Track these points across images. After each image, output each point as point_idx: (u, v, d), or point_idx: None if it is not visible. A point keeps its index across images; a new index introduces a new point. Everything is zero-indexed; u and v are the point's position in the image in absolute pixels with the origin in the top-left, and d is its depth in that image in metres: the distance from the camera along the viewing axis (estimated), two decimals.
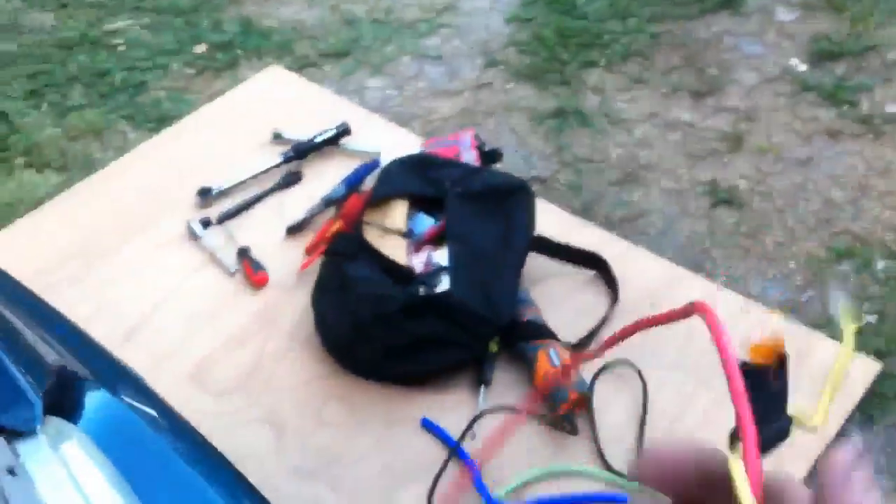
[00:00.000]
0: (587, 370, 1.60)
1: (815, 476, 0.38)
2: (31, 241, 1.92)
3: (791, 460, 1.51)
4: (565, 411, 1.52)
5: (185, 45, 2.62)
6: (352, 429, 1.57)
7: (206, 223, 1.92)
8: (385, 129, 2.18)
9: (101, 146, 2.25)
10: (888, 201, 2.08)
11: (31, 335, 1.01)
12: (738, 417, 0.37)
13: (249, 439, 1.56)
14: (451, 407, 1.58)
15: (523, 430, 1.54)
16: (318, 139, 2.07)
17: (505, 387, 1.61)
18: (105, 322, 1.75)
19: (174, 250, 1.89)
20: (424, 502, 1.46)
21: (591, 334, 1.67)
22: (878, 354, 1.69)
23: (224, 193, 1.99)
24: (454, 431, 1.54)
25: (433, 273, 1.70)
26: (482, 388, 1.59)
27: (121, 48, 2.63)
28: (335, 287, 1.67)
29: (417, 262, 1.73)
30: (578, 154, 2.22)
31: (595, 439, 1.53)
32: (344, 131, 2.10)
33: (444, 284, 1.67)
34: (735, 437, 0.37)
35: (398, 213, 1.80)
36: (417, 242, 1.77)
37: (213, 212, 1.96)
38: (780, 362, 0.39)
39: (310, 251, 1.84)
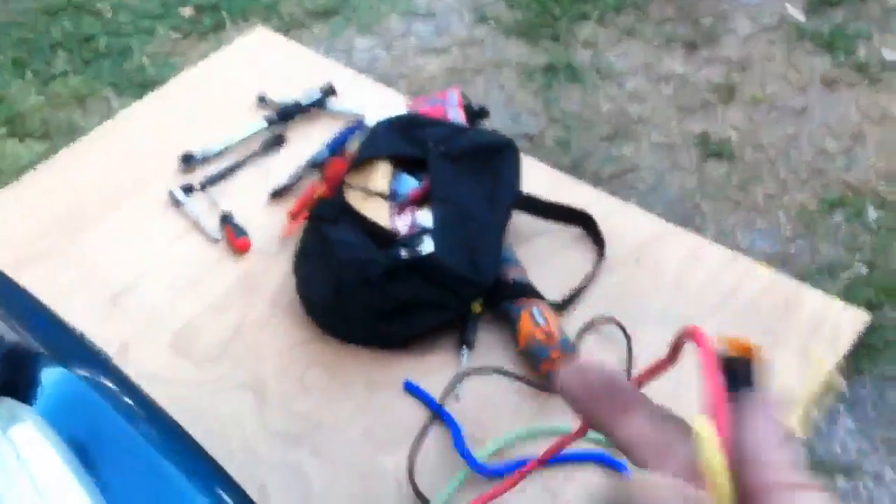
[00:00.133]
0: (571, 328, 1.58)
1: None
2: (14, 210, 1.91)
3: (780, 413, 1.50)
4: (548, 371, 1.51)
5: (171, 8, 2.60)
6: (334, 393, 1.56)
7: (188, 189, 1.90)
8: (371, 90, 2.15)
9: (85, 114, 2.23)
10: (882, 150, 2.04)
11: None
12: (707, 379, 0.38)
13: (231, 406, 1.55)
14: (434, 369, 1.57)
15: (506, 390, 1.52)
16: (303, 102, 2.05)
17: (488, 348, 1.59)
18: (89, 291, 1.73)
19: (157, 217, 1.87)
20: (406, 465, 1.45)
21: (577, 293, 1.65)
22: (868, 305, 1.67)
23: (207, 159, 1.97)
24: (437, 394, 1.53)
25: (416, 235, 1.68)
26: (465, 350, 1.58)
27: (106, 13, 2.60)
28: (316, 252, 1.66)
29: (401, 225, 1.71)
30: (568, 110, 2.19)
31: None
32: (329, 93, 2.07)
33: (427, 246, 1.65)
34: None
35: (381, 175, 1.78)
36: (401, 204, 1.75)
37: (197, 177, 1.94)
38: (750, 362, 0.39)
39: (293, 216, 1.82)
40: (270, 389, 1.57)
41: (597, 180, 1.97)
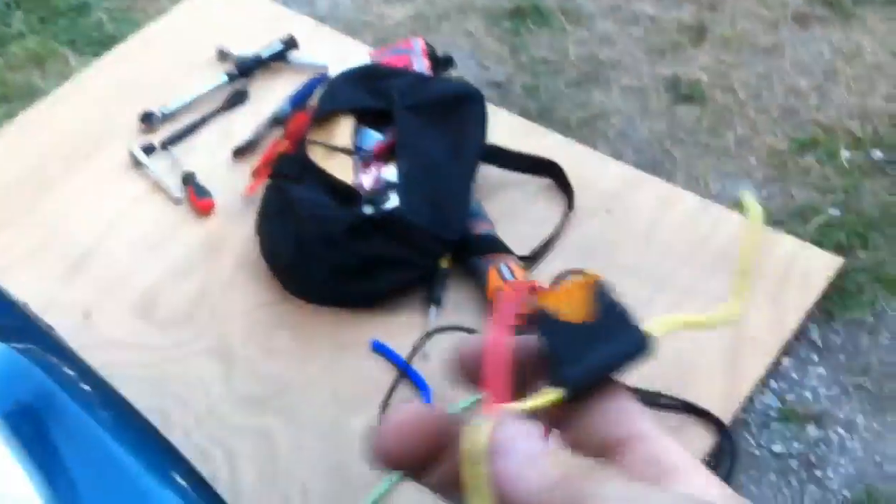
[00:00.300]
0: (541, 282, 1.56)
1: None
2: None
3: (750, 360, 1.49)
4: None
5: None
6: (301, 355, 1.54)
7: (149, 149, 1.86)
8: (334, 40, 2.10)
9: (43, 74, 2.17)
10: (855, 87, 2.01)
11: None
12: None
13: (198, 371, 1.53)
14: (402, 328, 1.54)
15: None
16: (264, 55, 2.00)
17: (456, 305, 1.57)
18: (52, 254, 1.70)
19: (118, 179, 1.83)
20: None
21: (545, 246, 1.62)
22: (840, 249, 1.65)
23: (168, 117, 1.93)
24: (406, 353, 1.51)
25: (381, 191, 1.65)
26: (433, 308, 1.55)
27: None
28: (279, 211, 1.62)
29: (366, 180, 1.68)
30: (536, 55, 2.14)
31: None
32: (290, 45, 2.02)
33: (393, 202, 1.62)
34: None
35: (343, 129, 1.74)
36: (365, 160, 1.71)
37: (158, 137, 1.89)
38: (599, 292, 0.37)
39: (256, 174, 1.78)
40: (236, 353, 1.55)
41: (566, 127, 1.93)
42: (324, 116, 1.76)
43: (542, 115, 1.97)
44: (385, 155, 1.72)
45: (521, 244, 1.60)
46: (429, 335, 1.52)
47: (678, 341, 1.49)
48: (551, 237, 1.64)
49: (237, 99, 1.96)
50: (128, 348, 1.56)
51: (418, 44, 1.92)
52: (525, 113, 1.95)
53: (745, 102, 1.98)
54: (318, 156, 1.69)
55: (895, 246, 1.67)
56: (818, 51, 2.10)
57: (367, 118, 1.77)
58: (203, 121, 1.92)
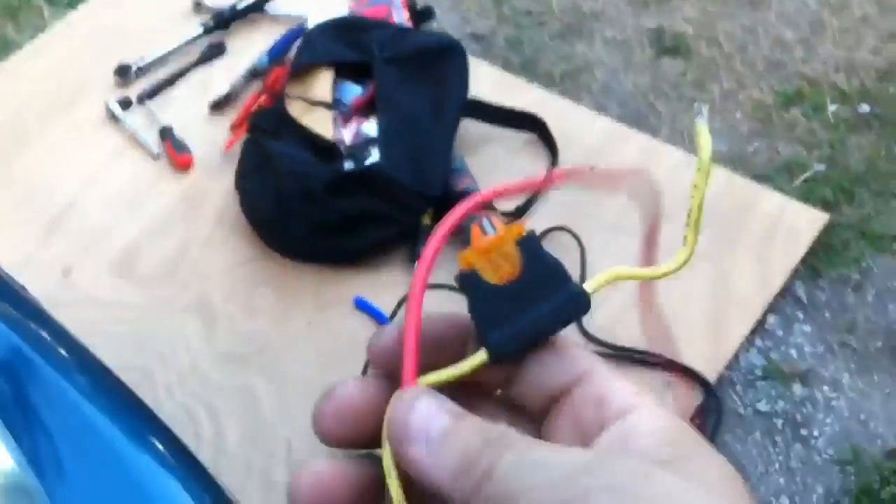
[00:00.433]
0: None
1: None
2: None
3: (735, 318, 1.48)
4: None
5: None
6: (283, 312, 1.52)
7: (126, 104, 1.83)
8: None
9: (17, 27, 2.12)
10: (841, 40, 1.98)
11: None
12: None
13: (179, 328, 1.51)
14: (386, 285, 1.53)
15: (460, 306, 1.49)
16: (240, 6, 1.96)
17: (439, 262, 1.54)
18: (29, 211, 1.68)
19: (94, 134, 1.80)
20: None
21: (529, 201, 1.61)
22: (826, 204, 1.64)
23: (144, 70, 1.89)
24: (389, 310, 1.49)
25: (361, 145, 1.63)
26: (416, 265, 1.53)
27: None
28: (257, 166, 1.60)
29: (346, 135, 1.65)
30: (518, 6, 2.11)
31: None
32: None
33: (373, 157, 1.60)
34: None
35: (322, 83, 1.71)
36: (345, 114, 1.69)
37: (135, 90, 1.86)
38: (526, 247, 0.35)
39: (235, 128, 1.75)
40: (218, 310, 1.53)
41: (549, 81, 1.90)
42: (302, 69, 1.72)
43: (526, 69, 1.94)
44: (365, 109, 1.69)
45: (504, 200, 1.58)
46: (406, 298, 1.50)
47: (662, 299, 1.48)
48: (535, 193, 1.62)
49: (214, 52, 1.92)
50: (108, 306, 1.54)
51: None
52: (508, 66, 1.92)
53: (730, 55, 1.95)
54: (296, 110, 1.66)
55: (881, 202, 1.66)
56: (804, 2, 2.08)
57: (347, 71, 1.74)
58: (180, 74, 1.88)
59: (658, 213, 0.40)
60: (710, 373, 1.41)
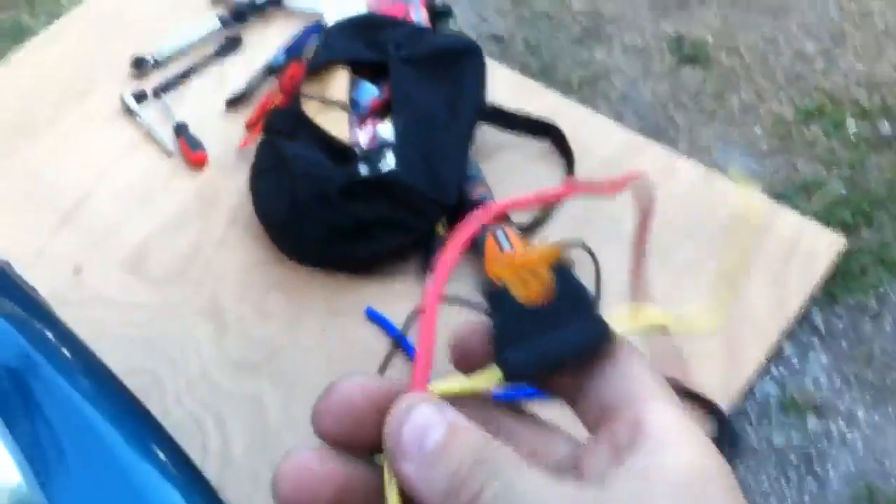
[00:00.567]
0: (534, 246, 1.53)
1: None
2: None
3: (750, 344, 1.47)
4: None
5: None
6: (294, 319, 1.51)
7: (140, 97, 1.81)
8: None
9: (32, 12, 2.11)
10: (864, 53, 1.97)
11: None
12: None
13: (189, 332, 1.50)
14: (398, 296, 1.52)
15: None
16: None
17: (455, 273, 1.53)
18: (38, 207, 1.66)
19: (108, 126, 1.79)
20: None
21: (545, 213, 1.59)
22: (845, 227, 1.62)
23: (161, 63, 1.87)
24: (401, 322, 1.48)
25: (378, 150, 1.61)
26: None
27: None
28: (272, 167, 1.59)
29: (362, 137, 1.64)
30: (538, 9, 2.09)
31: None
32: None
33: (389, 162, 1.58)
34: None
35: (339, 82, 1.69)
36: (361, 115, 1.67)
37: (151, 83, 1.84)
38: (559, 270, 0.36)
39: (250, 127, 1.74)
40: (229, 315, 1.52)
41: (567, 87, 1.89)
42: (319, 68, 1.71)
43: (543, 73, 1.93)
44: (381, 110, 1.68)
45: (518, 211, 1.57)
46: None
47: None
48: (549, 204, 1.61)
49: (231, 46, 1.90)
50: (118, 306, 1.53)
51: None
52: (526, 70, 1.91)
53: (750, 66, 1.94)
54: (312, 110, 1.65)
55: None
56: (826, 12, 2.06)
57: (364, 70, 1.72)
58: (195, 68, 1.86)
59: (650, 210, 0.41)
60: (724, 400, 1.40)
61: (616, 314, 0.35)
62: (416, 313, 1.49)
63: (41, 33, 1.97)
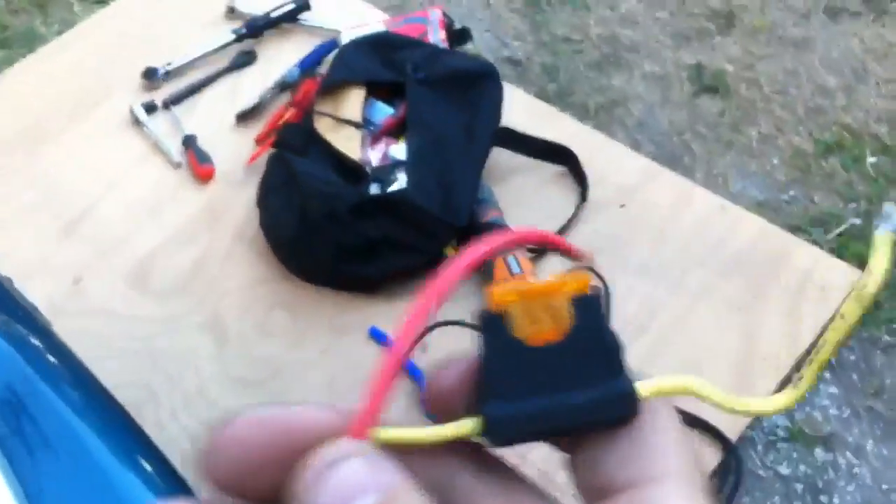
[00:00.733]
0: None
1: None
2: None
3: (761, 375, 1.43)
4: None
5: None
6: (297, 338, 1.48)
7: (151, 108, 1.79)
8: (348, 4, 2.03)
9: (46, 20, 2.10)
10: (885, 89, 1.94)
11: None
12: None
13: (190, 347, 1.47)
14: (402, 317, 1.49)
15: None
16: (274, 14, 1.93)
17: (460, 296, 1.51)
18: (44, 215, 1.64)
19: (117, 137, 1.77)
20: None
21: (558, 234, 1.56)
22: (860, 260, 1.59)
23: (172, 74, 1.86)
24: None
25: (389, 169, 1.59)
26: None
27: None
28: (281, 184, 1.56)
29: (374, 156, 1.62)
30: (557, 33, 2.07)
31: None
32: (303, 5, 1.95)
33: (400, 181, 1.56)
34: None
35: (353, 101, 1.67)
36: (374, 134, 1.65)
37: (161, 94, 1.83)
38: (584, 305, 0.28)
39: (260, 141, 1.72)
40: (231, 331, 1.49)
41: (583, 112, 1.87)
42: (333, 86, 1.69)
43: (560, 98, 1.91)
44: (395, 130, 1.66)
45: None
46: (430, 329, 1.46)
47: (687, 351, 1.44)
48: (562, 230, 1.58)
49: (244, 60, 1.88)
50: (119, 319, 1.51)
51: (436, 14, 1.85)
52: (542, 94, 1.89)
53: (770, 98, 1.91)
54: (324, 127, 1.63)
55: None
56: (848, 47, 2.03)
57: (379, 90, 1.71)
58: (207, 81, 1.85)
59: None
60: (732, 429, 1.36)
61: (648, 381, 0.27)
62: (422, 336, 1.45)
63: (52, 42, 1.95)
